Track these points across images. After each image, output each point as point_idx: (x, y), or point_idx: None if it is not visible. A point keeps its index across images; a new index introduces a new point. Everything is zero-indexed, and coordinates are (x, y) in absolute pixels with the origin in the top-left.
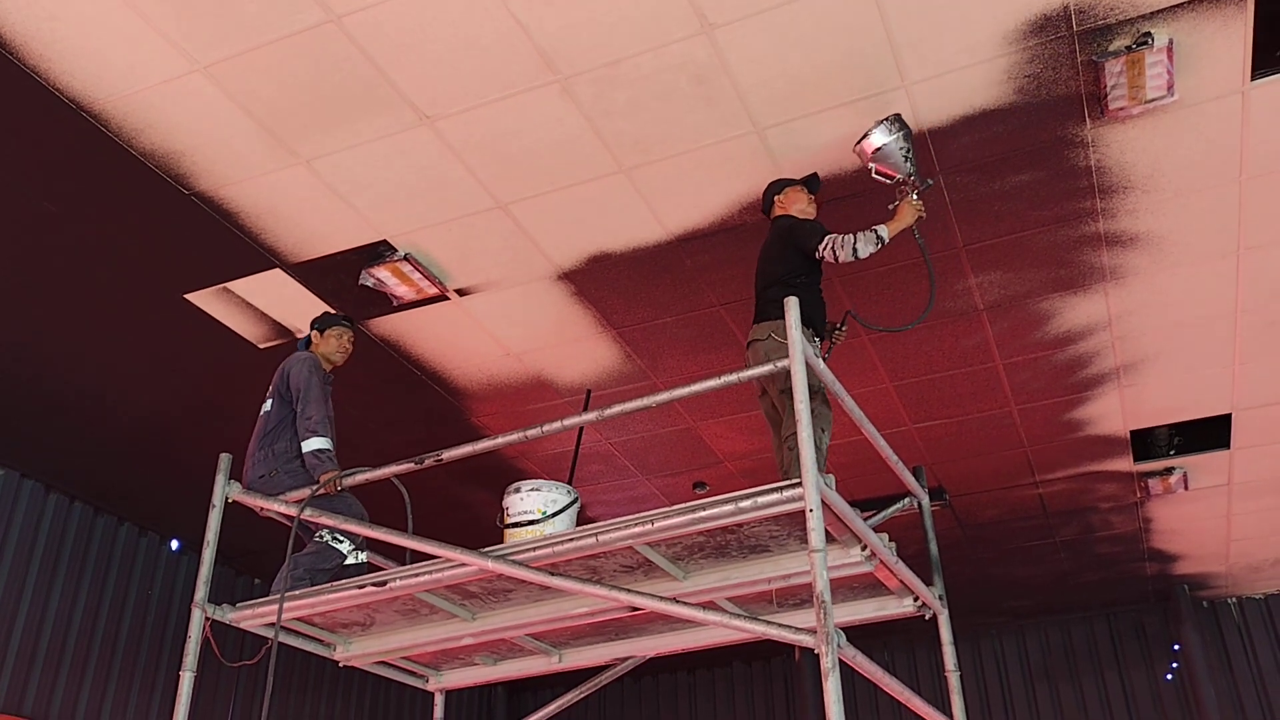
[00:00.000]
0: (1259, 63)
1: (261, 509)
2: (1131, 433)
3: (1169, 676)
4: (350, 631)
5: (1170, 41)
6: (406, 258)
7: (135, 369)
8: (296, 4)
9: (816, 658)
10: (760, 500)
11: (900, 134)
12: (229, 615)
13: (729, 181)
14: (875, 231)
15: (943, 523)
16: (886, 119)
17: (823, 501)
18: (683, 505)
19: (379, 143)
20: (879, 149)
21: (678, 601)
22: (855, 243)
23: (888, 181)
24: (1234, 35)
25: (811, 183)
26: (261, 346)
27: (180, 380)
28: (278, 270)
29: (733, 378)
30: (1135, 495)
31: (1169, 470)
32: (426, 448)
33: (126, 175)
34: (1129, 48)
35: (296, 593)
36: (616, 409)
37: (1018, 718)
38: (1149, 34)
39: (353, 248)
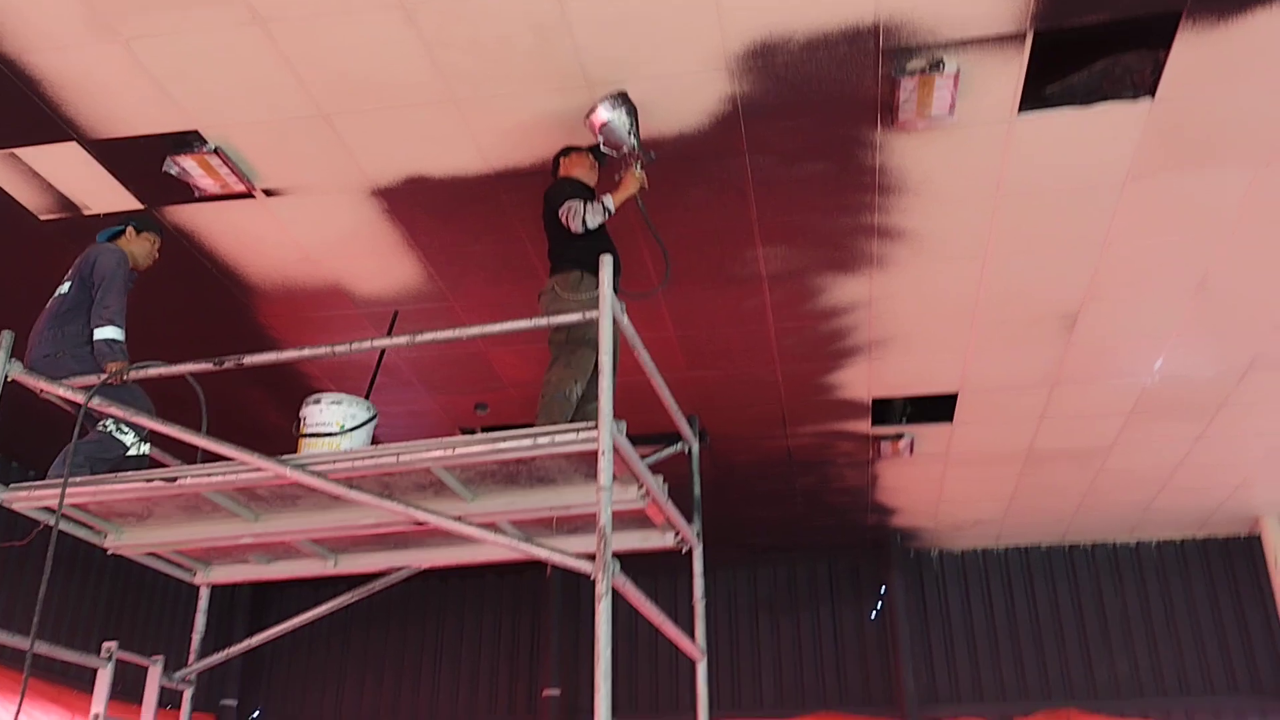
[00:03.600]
0: (1027, 98)
1: (43, 391)
2: (873, 400)
3: (874, 615)
4: (125, 521)
5: (958, 70)
6: (216, 151)
7: None
8: None
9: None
10: (558, 439)
11: (624, 109)
12: (2, 495)
13: (556, 129)
14: (602, 202)
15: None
16: (610, 96)
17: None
18: (483, 435)
19: (206, 34)
20: (605, 124)
21: (465, 522)
22: (585, 213)
23: (615, 154)
24: (1010, 72)
25: (597, 152)
26: (42, 218)
27: None
28: (74, 144)
29: (543, 321)
30: (868, 454)
31: (899, 435)
32: (209, 342)
33: None
34: (924, 69)
35: (79, 479)
36: (429, 336)
37: (741, 645)
38: (942, 60)
39: (160, 133)
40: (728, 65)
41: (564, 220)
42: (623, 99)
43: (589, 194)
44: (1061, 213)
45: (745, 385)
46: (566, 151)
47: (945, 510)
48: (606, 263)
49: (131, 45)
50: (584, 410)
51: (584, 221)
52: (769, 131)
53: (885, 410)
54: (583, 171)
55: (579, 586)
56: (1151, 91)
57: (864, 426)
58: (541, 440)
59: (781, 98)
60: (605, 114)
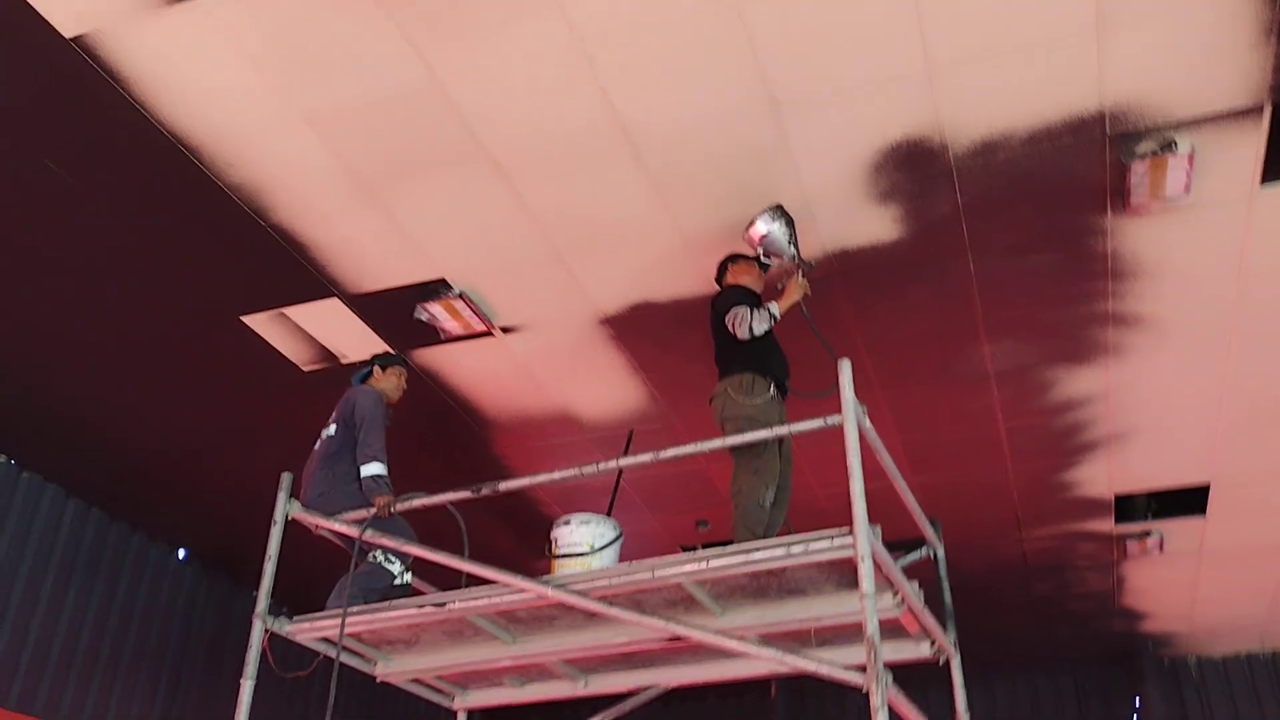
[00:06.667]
0: (1269, 170)
1: (317, 527)
2: (1116, 496)
3: None
4: (394, 648)
5: (1192, 149)
6: (461, 295)
7: (171, 384)
8: (401, 64)
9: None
10: (811, 547)
11: (781, 220)
12: (287, 628)
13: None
14: (768, 309)
15: (927, 570)
16: (769, 209)
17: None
18: (735, 547)
19: (457, 192)
20: (764, 236)
21: (725, 635)
22: (751, 320)
23: (776, 264)
24: (1249, 146)
25: (760, 260)
26: (305, 369)
27: (215, 398)
28: (335, 300)
29: (784, 429)
30: (1112, 555)
31: (1146, 533)
32: (452, 473)
33: (210, 203)
34: (1155, 152)
35: (357, 609)
36: (671, 453)
37: None
38: (1174, 141)
39: (411, 284)
40: (955, 161)
41: (731, 327)
42: (780, 211)
43: (755, 300)
44: None
45: (975, 488)
46: (734, 259)
47: (1201, 612)
48: (845, 366)
49: (391, 209)
50: (774, 516)
51: (751, 328)
52: (991, 228)
53: (1129, 507)
54: (750, 279)
55: (803, 705)
56: None
57: (1107, 525)
58: (795, 549)
59: (1004, 193)
60: (764, 226)
